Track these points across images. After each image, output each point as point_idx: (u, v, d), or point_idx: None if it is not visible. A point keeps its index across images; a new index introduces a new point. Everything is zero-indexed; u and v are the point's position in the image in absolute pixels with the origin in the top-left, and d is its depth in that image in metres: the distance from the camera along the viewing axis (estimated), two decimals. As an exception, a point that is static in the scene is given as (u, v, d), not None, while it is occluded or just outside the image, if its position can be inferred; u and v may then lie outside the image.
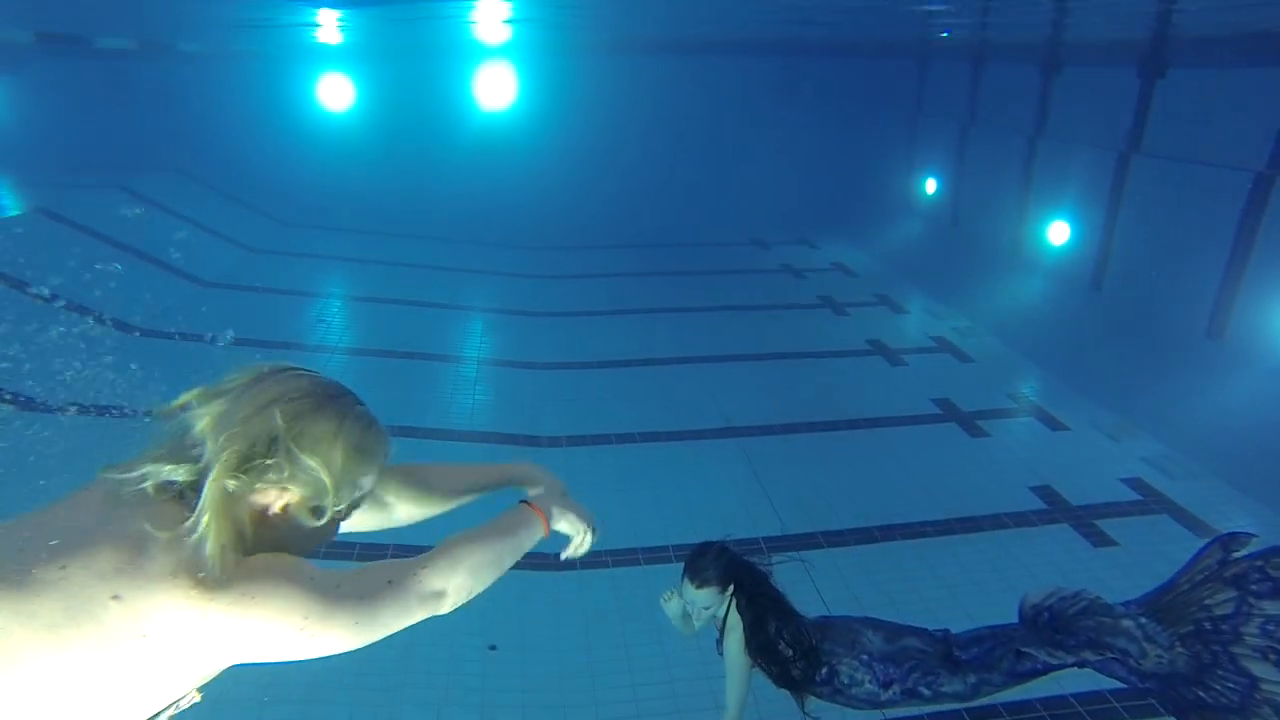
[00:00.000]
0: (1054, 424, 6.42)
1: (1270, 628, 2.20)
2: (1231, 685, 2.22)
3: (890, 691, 2.41)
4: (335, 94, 12.66)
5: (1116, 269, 7.48)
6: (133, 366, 6.93)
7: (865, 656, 2.43)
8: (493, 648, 3.88)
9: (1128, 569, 4.56)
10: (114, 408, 6.10)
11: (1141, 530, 4.95)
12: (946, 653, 2.43)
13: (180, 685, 1.26)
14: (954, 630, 2.54)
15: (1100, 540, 4.82)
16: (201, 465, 1.27)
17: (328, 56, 12.54)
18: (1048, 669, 2.39)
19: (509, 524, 1.71)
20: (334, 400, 1.43)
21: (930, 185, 10.99)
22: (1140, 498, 5.30)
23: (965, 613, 4.06)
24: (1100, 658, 2.35)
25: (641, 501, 5.28)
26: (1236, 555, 2.31)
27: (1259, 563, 2.26)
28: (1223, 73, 6.52)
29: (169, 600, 1.17)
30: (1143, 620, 2.34)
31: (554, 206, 12.31)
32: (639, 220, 12.45)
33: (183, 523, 1.22)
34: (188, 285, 8.88)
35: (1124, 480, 5.50)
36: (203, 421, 1.31)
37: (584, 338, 8.41)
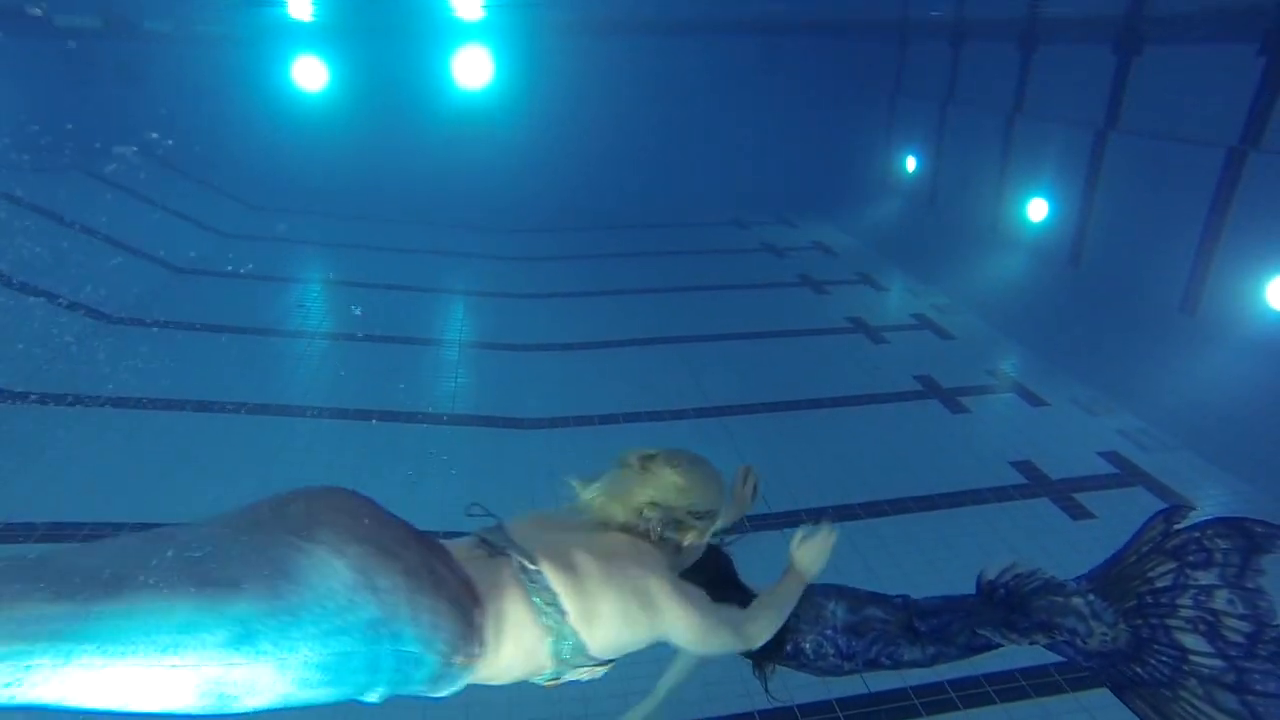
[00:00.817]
0: (1034, 400, 6.50)
1: (1202, 598, 2.24)
2: (1165, 659, 2.26)
3: (853, 663, 2.46)
4: (308, 75, 12.41)
5: (1094, 246, 7.56)
6: (104, 356, 6.82)
7: (829, 631, 2.46)
8: None
9: (1104, 541, 4.61)
10: (90, 397, 5.99)
11: (1118, 502, 5.04)
12: (907, 622, 2.48)
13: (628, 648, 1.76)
14: (914, 596, 2.58)
15: (1079, 513, 4.90)
16: (648, 510, 1.91)
17: (300, 36, 12.29)
18: (1002, 645, 2.45)
19: (794, 593, 2.23)
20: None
21: (910, 163, 11.01)
22: (1116, 471, 5.39)
23: (949, 588, 4.12)
24: (1050, 640, 2.40)
25: (626, 482, 5.28)
26: (1177, 527, 2.35)
27: (1196, 534, 2.31)
28: (1196, 49, 6.57)
29: (663, 590, 1.74)
30: (1091, 598, 2.39)
31: (534, 188, 12.21)
32: (619, 201, 12.39)
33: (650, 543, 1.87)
34: (160, 271, 8.73)
35: (1101, 454, 5.59)
36: (657, 486, 1.95)
37: (565, 319, 8.38)
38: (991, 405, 6.53)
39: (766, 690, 2.49)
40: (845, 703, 3.54)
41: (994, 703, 3.56)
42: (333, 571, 1.32)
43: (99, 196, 9.43)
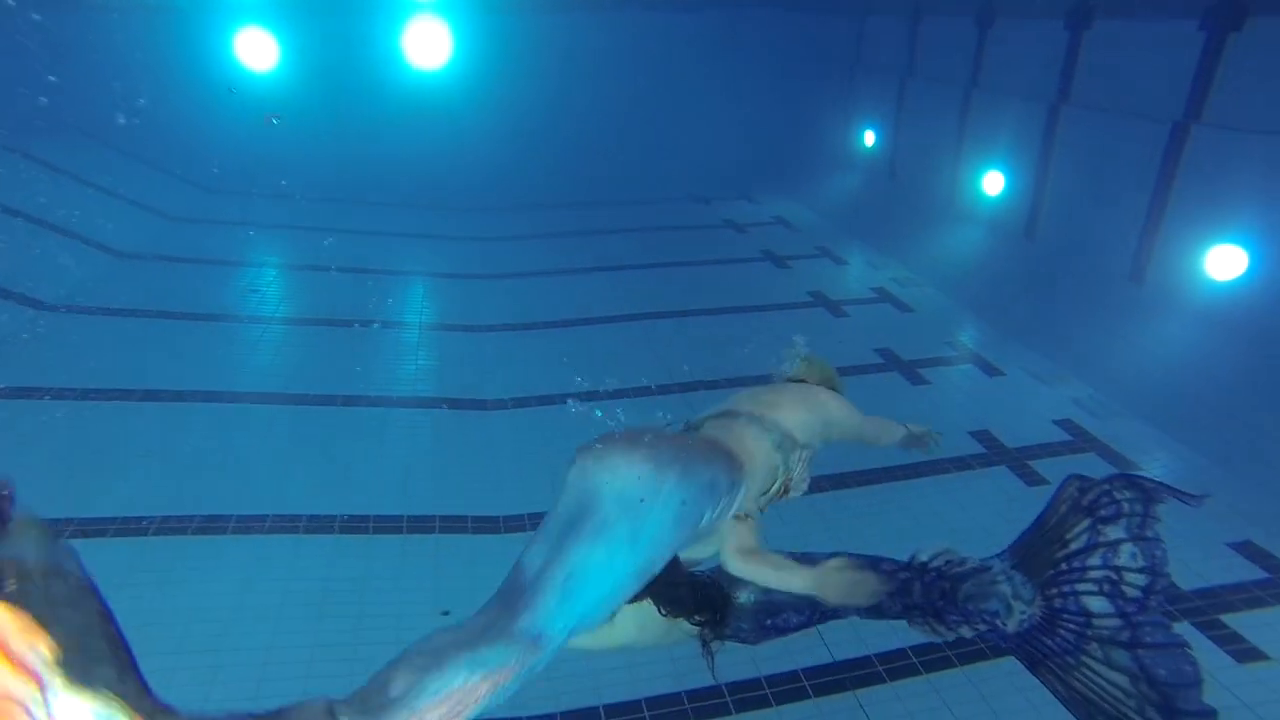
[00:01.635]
0: (991, 370, 6.63)
1: (1110, 555, 2.30)
2: (1072, 627, 2.32)
3: (796, 632, 2.60)
4: (257, 50, 11.95)
5: (1048, 218, 7.69)
6: (43, 345, 6.57)
7: (779, 613, 2.52)
8: (445, 613, 3.85)
9: (1060, 506, 4.77)
10: (30, 389, 5.77)
11: (1071, 468, 5.13)
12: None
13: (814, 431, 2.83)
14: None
15: (1034, 480, 5.03)
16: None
17: (247, 10, 11.83)
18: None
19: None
20: None
21: (869, 137, 11.06)
22: (1070, 438, 5.53)
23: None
24: (974, 632, 2.47)
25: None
26: (1091, 483, 2.42)
27: (1106, 487, 2.38)
28: (1142, 25, 6.67)
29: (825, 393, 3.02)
30: (1015, 576, 2.44)
31: (491, 167, 12.01)
32: (579, 179, 12.26)
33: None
34: (103, 257, 8.40)
35: (1055, 422, 5.73)
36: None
37: (527, 299, 8.29)
38: (950, 377, 6.64)
39: (712, 668, 2.51)
40: (772, 680, 3.60)
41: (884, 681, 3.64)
42: (702, 470, 2.30)
43: (31, 178, 9.02)
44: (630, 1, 11.73)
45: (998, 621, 2.41)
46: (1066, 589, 2.34)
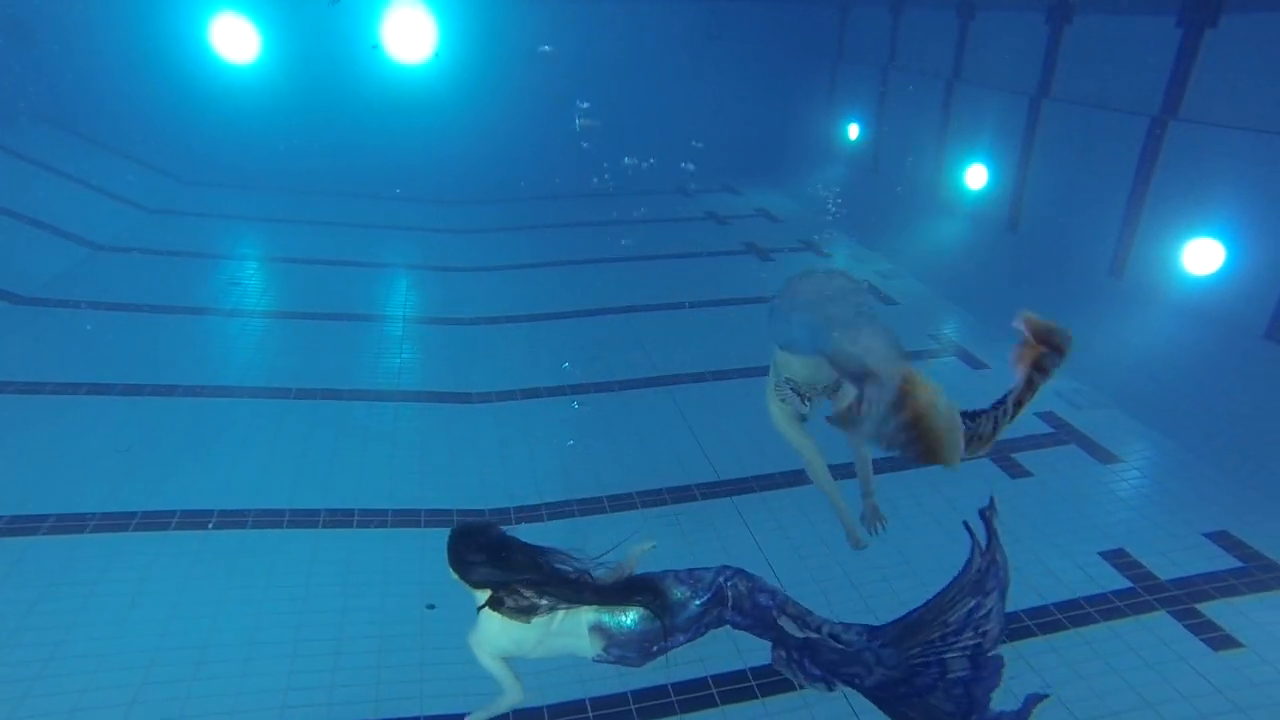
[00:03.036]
0: (974, 362, 6.68)
1: (977, 624, 2.48)
2: (930, 676, 2.51)
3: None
4: (235, 39, 11.76)
5: (1031, 211, 7.75)
6: (21, 338, 6.46)
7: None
8: (431, 607, 3.84)
9: (1040, 497, 4.84)
10: (6, 384, 5.68)
11: (1053, 459, 5.24)
12: (720, 617, 2.66)
13: None
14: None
15: (1017, 472, 5.08)
16: None
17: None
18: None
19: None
20: None
21: (853, 130, 11.09)
22: (1052, 430, 5.59)
23: (895, 548, 4.25)
24: (830, 689, 2.66)
25: (574, 454, 5.28)
26: (983, 558, 2.56)
27: (987, 558, 2.54)
28: (1121, 20, 6.73)
29: None
30: (884, 654, 2.58)
31: (475, 159, 11.92)
32: (563, 170, 12.18)
33: None
34: (78, 249, 8.27)
35: (1037, 414, 5.78)
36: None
37: (510, 291, 8.26)
38: (934, 369, 6.68)
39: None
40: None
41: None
42: None
43: (3, 169, 8.84)
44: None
45: (856, 681, 2.61)
46: (932, 656, 2.51)
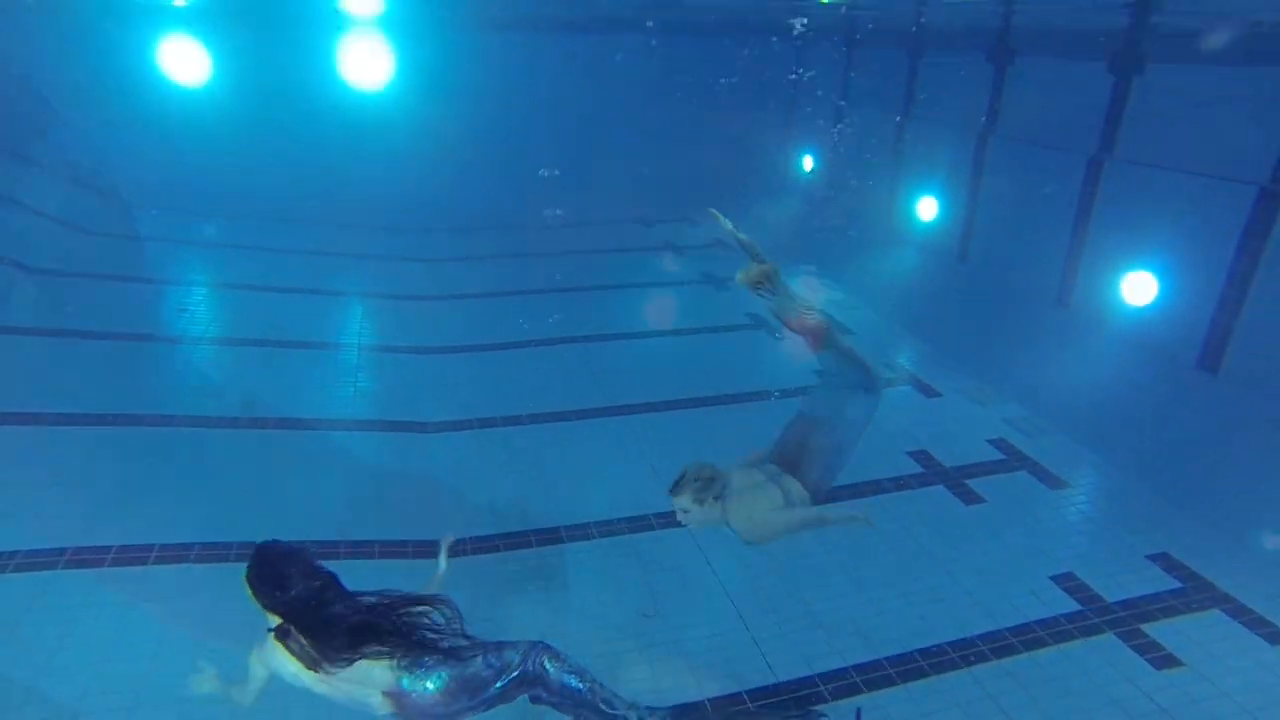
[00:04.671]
0: (928, 391, 6.82)
1: None
2: None
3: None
4: (184, 60, 11.53)
5: (979, 243, 8.00)
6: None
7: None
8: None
9: (992, 523, 4.93)
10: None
11: (1005, 486, 5.35)
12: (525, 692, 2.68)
13: None
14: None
15: (970, 498, 5.18)
16: None
17: (172, 17, 11.46)
18: None
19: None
20: None
21: (807, 162, 11.35)
22: (1003, 457, 5.72)
23: (850, 577, 4.29)
24: None
25: (530, 485, 5.22)
26: None
27: None
28: (1059, 63, 7.05)
29: None
30: None
31: (431, 187, 11.83)
32: (521, 200, 12.19)
33: None
34: (16, 273, 7.97)
35: (989, 441, 5.92)
36: None
37: (466, 321, 8.20)
38: (889, 397, 6.75)
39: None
40: None
41: None
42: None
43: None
44: (570, 23, 11.78)
45: None
46: None
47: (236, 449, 5.47)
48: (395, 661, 2.46)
